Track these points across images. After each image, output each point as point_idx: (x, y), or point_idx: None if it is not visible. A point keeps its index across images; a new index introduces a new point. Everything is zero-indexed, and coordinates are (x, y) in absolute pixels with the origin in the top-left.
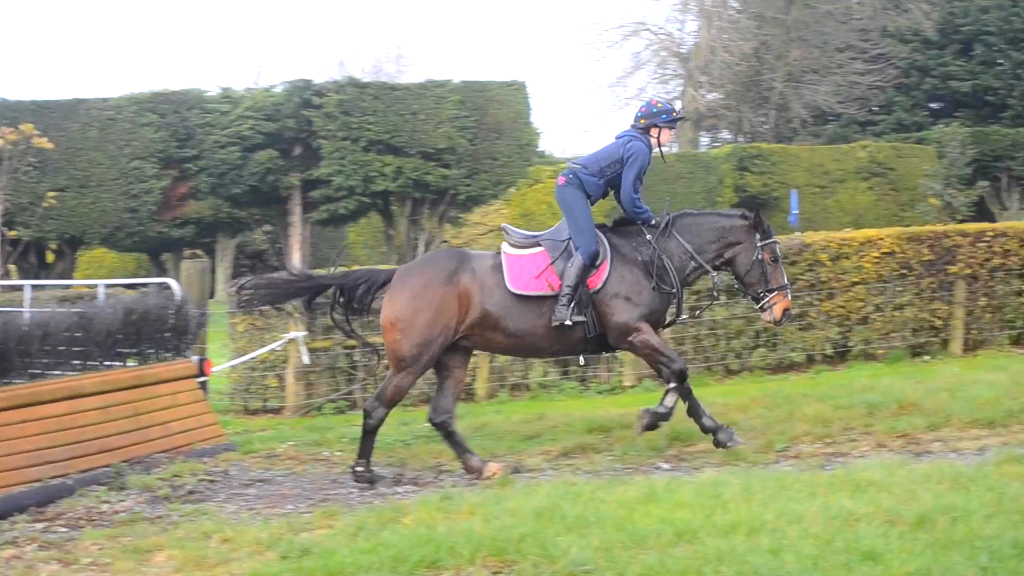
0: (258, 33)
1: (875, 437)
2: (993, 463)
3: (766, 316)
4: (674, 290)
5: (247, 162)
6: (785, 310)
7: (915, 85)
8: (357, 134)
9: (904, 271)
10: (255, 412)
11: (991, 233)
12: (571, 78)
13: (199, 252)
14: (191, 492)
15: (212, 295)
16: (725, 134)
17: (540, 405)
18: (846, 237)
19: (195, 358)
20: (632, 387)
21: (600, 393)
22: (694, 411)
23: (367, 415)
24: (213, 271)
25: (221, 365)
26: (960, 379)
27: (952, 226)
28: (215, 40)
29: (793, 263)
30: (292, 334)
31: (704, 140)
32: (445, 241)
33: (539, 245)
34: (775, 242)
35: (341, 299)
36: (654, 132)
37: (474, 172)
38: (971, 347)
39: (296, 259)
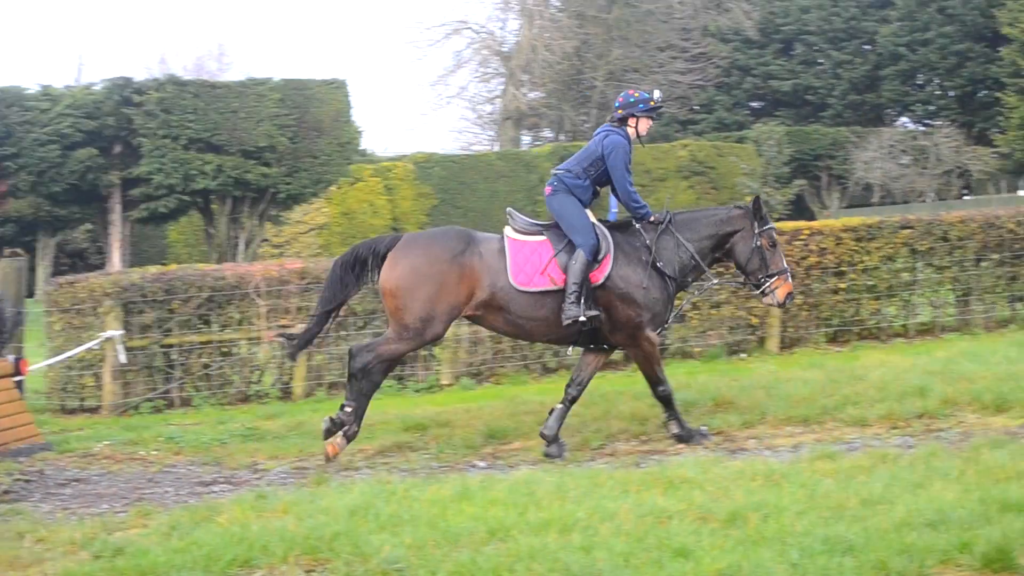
0: (79, 30)
1: None
2: (806, 460)
3: (768, 300)
4: (675, 288)
5: (67, 160)
6: (788, 293)
7: (736, 84)
8: (177, 132)
9: (721, 269)
10: (72, 411)
11: (807, 231)
12: (393, 76)
13: (19, 250)
14: (6, 492)
15: (31, 294)
16: (547, 132)
17: None
18: None
19: (11, 357)
20: (449, 385)
21: (417, 392)
22: (554, 425)
23: (351, 355)
24: (33, 269)
25: (38, 364)
26: (776, 377)
27: None
28: (34, 37)
29: None
30: (109, 333)
31: (525, 139)
32: (266, 239)
33: (543, 234)
34: (772, 228)
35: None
36: (632, 122)
37: (294, 170)
38: (788, 345)
39: (116, 258)
